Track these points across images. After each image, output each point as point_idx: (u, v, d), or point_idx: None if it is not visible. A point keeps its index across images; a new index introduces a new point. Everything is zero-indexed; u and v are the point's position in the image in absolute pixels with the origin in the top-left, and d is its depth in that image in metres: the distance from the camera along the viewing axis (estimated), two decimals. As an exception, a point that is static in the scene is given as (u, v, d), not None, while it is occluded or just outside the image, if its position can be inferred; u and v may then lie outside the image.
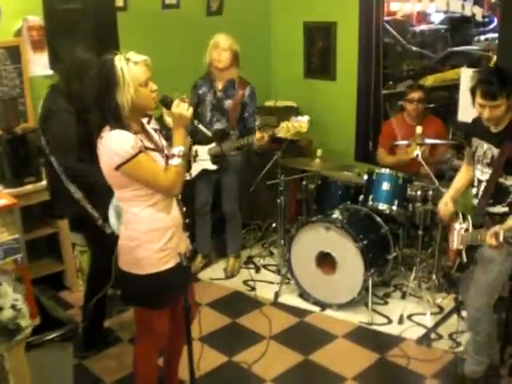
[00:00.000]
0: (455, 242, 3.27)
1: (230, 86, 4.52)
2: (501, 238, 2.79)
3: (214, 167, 4.54)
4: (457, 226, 3.29)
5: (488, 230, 2.91)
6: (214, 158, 4.51)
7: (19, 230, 3.62)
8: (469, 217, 3.21)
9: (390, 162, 4.75)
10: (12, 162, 4.15)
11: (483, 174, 3.19)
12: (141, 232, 2.76)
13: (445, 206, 3.39)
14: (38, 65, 4.51)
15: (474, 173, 3.29)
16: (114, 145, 2.58)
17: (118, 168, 2.60)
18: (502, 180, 3.09)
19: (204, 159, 4.51)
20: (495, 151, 3.10)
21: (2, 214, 3.28)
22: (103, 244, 3.42)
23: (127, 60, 2.59)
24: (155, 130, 2.88)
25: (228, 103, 4.51)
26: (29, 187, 4.20)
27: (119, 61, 2.59)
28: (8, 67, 4.39)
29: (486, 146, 3.16)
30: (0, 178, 4.20)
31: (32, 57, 4.50)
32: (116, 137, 2.59)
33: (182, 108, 2.67)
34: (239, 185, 4.77)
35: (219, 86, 4.53)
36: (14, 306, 1.94)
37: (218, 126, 4.54)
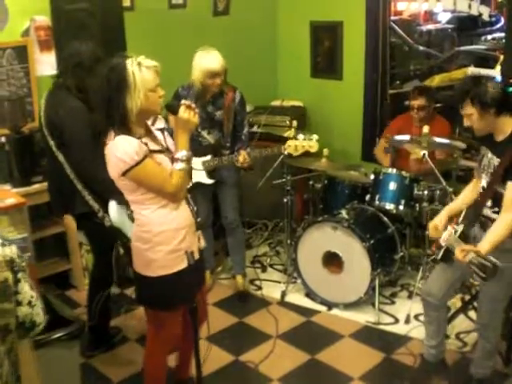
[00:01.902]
0: (442, 237, 3.23)
1: (219, 95, 4.26)
2: (467, 259, 2.82)
3: (210, 181, 4.33)
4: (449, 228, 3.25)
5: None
6: (210, 173, 4.30)
7: (27, 229, 3.65)
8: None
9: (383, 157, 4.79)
10: (20, 162, 4.17)
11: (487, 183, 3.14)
12: (153, 234, 2.76)
13: (435, 229, 3.28)
14: (46, 64, 4.53)
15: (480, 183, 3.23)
16: (119, 151, 2.59)
17: (124, 174, 2.61)
18: (501, 190, 3.02)
19: (199, 172, 4.20)
20: (496, 161, 3.06)
21: (10, 213, 3.31)
22: (103, 242, 3.43)
23: (139, 64, 2.59)
24: (162, 130, 2.89)
25: (219, 114, 4.29)
26: (36, 186, 4.21)
27: (131, 65, 2.59)
28: (15, 67, 4.41)
29: (490, 155, 3.12)
30: (8, 178, 4.21)
31: (39, 57, 4.52)
32: (120, 143, 2.59)
33: (189, 113, 2.68)
34: (239, 196, 4.63)
35: (206, 97, 4.25)
36: (30, 303, 1.97)
37: (210, 138, 4.37)
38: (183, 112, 2.68)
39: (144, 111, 2.65)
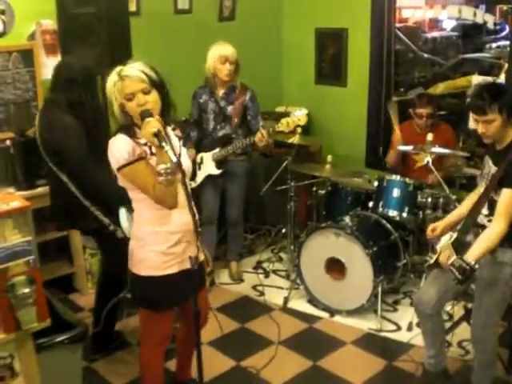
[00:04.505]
0: (440, 243, 3.24)
1: (231, 91, 4.53)
2: (449, 262, 2.85)
3: (217, 172, 4.52)
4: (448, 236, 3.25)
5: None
6: (218, 164, 4.52)
7: (31, 232, 3.65)
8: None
9: (394, 155, 4.76)
10: (24, 165, 4.18)
11: None
12: (145, 233, 2.80)
13: (432, 230, 3.33)
14: (51, 68, 4.52)
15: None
16: (113, 149, 2.68)
17: (118, 170, 2.70)
18: (497, 198, 3.00)
19: (208, 165, 4.54)
20: (494, 169, 3.05)
21: (14, 216, 3.30)
22: (115, 250, 3.44)
23: (117, 74, 2.65)
24: (180, 138, 2.91)
25: (230, 108, 4.52)
26: (40, 190, 4.21)
27: (111, 75, 2.68)
28: (21, 70, 4.42)
29: (490, 163, 3.11)
30: (12, 181, 4.22)
31: (45, 60, 4.53)
32: (116, 141, 2.69)
33: (144, 128, 2.56)
34: (245, 193, 4.78)
35: (220, 93, 4.53)
36: None
37: (221, 133, 4.56)
38: (142, 126, 2.58)
39: (133, 118, 2.68)
